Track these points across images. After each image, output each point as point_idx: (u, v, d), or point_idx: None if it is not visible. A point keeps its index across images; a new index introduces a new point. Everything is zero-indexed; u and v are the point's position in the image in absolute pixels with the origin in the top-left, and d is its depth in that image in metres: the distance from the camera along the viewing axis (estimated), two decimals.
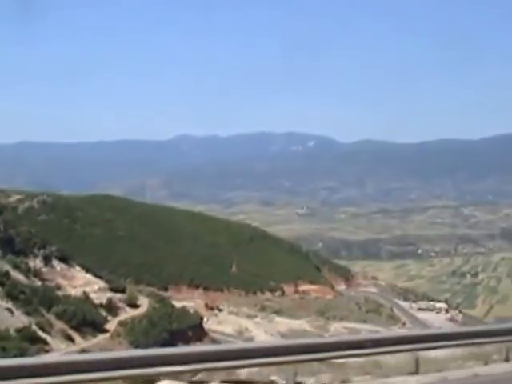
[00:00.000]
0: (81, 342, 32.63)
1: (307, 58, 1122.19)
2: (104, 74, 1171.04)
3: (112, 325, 37.02)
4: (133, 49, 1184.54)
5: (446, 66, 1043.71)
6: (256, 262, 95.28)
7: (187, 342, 37.96)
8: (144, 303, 42.98)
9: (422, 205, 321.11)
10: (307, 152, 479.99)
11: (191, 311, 51.54)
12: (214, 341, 40.89)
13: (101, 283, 47.53)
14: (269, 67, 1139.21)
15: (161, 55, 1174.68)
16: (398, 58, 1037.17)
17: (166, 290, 73.74)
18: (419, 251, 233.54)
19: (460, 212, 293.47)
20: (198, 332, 40.53)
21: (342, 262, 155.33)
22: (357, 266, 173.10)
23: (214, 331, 51.85)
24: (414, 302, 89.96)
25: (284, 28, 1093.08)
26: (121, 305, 41.42)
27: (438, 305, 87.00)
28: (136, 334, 35.03)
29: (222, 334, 50.57)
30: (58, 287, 43.05)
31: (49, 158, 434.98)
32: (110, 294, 43.52)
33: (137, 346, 32.62)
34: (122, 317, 38.91)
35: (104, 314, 38.79)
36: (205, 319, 56.48)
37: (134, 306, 42.52)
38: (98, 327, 35.68)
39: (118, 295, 43.62)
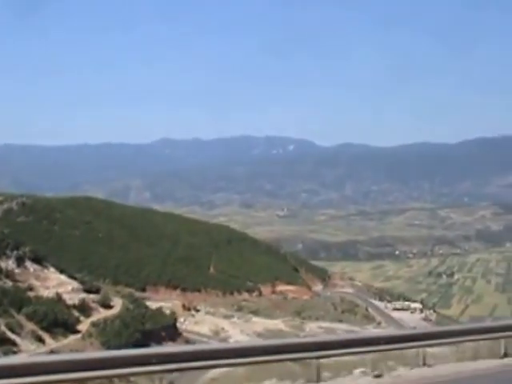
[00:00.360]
0: (51, 342, 32.36)
1: (288, 63, 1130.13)
2: (88, 77, 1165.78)
3: (84, 325, 36.80)
4: (117, 54, 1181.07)
5: (423, 71, 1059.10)
6: (234, 263, 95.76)
7: (160, 342, 37.98)
8: (117, 304, 42.83)
9: (400, 207, 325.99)
10: (287, 155, 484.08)
11: (168, 312, 51.58)
12: (188, 341, 40.99)
13: (75, 284, 47.20)
14: (250, 72, 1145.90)
15: (144, 59, 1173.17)
16: (377, 62, 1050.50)
17: (143, 290, 73.88)
18: (397, 252, 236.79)
19: (436, 214, 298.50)
20: (171, 332, 40.54)
21: (321, 263, 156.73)
22: (336, 267, 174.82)
23: (190, 331, 51.98)
24: (389, 302, 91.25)
25: (264, 33, 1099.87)
26: (94, 305, 41.17)
27: (412, 305, 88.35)
28: (108, 334, 34.89)
29: (198, 334, 50.67)
30: (31, 288, 42.61)
31: (33, 161, 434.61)
32: (83, 295, 43.24)
33: (108, 347, 32.60)
34: (95, 317, 38.70)
35: (76, 314, 38.53)
36: (182, 319, 56.59)
37: (108, 306, 42.34)
38: (69, 328, 35.38)
39: (92, 296, 43.36)
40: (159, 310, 45.25)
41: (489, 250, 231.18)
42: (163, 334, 39.56)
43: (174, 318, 45.10)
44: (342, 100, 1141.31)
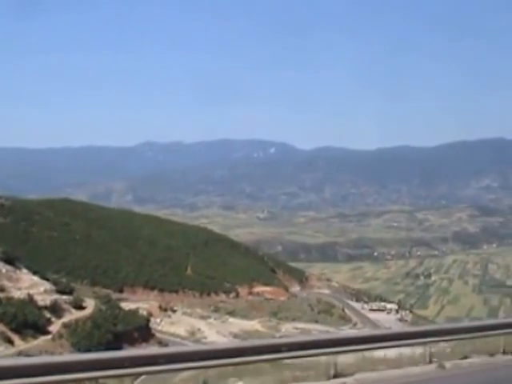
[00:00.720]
0: (20, 344, 31.98)
1: (269, 67, 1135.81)
2: (72, 80, 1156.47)
3: (55, 326, 36.41)
4: (102, 57, 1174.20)
5: (402, 75, 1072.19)
6: (211, 265, 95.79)
7: (133, 343, 37.70)
8: (90, 305, 42.48)
9: (378, 209, 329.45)
10: (268, 158, 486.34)
11: (144, 313, 51.32)
12: (161, 342, 40.79)
13: (47, 285, 46.71)
14: (232, 76, 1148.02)
15: (127, 63, 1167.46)
16: (356, 66, 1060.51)
17: (121, 291, 73.60)
18: (375, 254, 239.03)
19: (414, 216, 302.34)
20: (144, 333, 40.23)
21: (300, 265, 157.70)
22: (315, 269, 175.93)
23: (166, 332, 51.75)
24: (366, 302, 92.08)
25: (244, 37, 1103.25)
26: (66, 306, 40.73)
27: (388, 305, 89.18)
28: (79, 335, 34.57)
29: (171, 334, 50.45)
30: (2, 289, 42.02)
31: (16, 164, 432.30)
32: (55, 296, 42.80)
33: (79, 348, 32.35)
34: (67, 319, 38.28)
35: (48, 315, 38.08)
36: (158, 320, 56.39)
37: (80, 307, 41.96)
38: (40, 329, 34.97)
39: (64, 297, 42.92)
40: (132, 311, 44.98)
41: (466, 252, 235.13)
42: (136, 335, 39.28)
43: (146, 318, 44.83)
44: (322, 104, 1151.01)
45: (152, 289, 79.09)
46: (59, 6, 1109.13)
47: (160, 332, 49.80)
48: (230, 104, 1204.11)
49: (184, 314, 66.04)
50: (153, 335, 42.32)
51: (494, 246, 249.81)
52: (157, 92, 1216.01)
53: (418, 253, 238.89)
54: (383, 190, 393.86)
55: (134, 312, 44.99)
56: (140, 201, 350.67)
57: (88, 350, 28.96)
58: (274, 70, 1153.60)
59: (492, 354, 11.74)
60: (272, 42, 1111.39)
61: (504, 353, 11.80)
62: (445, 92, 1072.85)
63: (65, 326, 36.29)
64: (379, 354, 10.81)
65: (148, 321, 44.51)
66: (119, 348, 33.05)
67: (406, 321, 79.40)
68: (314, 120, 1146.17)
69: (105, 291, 63.22)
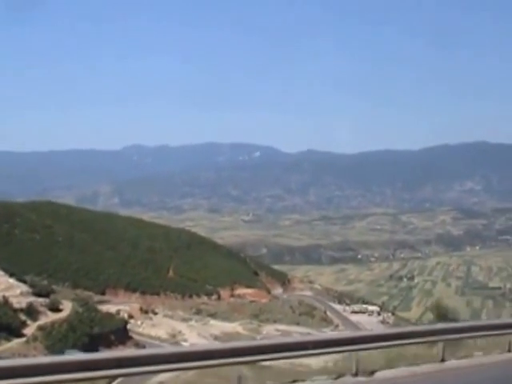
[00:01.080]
0: None
1: (254, 72, 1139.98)
2: (58, 83, 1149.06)
3: (31, 329, 36.00)
4: (87, 60, 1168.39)
5: (385, 78, 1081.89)
6: (194, 267, 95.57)
7: (109, 346, 37.39)
8: (67, 307, 42.05)
9: (363, 212, 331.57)
10: (253, 162, 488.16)
11: (125, 315, 50.96)
12: (138, 344, 40.49)
13: (24, 287, 46.18)
14: (217, 80, 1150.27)
15: (114, 67, 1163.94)
16: (339, 69, 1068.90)
17: (103, 294, 73.13)
18: (359, 256, 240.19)
19: (398, 219, 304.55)
20: (121, 336, 39.90)
21: (285, 267, 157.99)
22: (299, 271, 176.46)
23: (146, 335, 51.38)
24: (348, 304, 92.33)
25: (230, 42, 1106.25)
26: (42, 309, 40.29)
27: (370, 307, 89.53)
28: (54, 338, 34.18)
29: (153, 337, 50.07)
30: None
31: (4, 167, 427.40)
32: (32, 298, 42.35)
33: (53, 351, 31.98)
34: (43, 321, 37.86)
35: (23, 318, 37.65)
36: (139, 323, 56.02)
37: (57, 310, 41.54)
38: (14, 332, 34.58)
39: (41, 299, 42.50)
40: (109, 314, 44.61)
41: (449, 254, 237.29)
42: (112, 337, 38.94)
43: (124, 321, 44.48)
44: (307, 108, 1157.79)
45: (134, 291, 78.74)
46: (48, 12, 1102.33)
47: (141, 334, 49.42)
48: (216, 108, 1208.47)
49: (165, 316, 65.61)
50: (130, 338, 41.98)
51: (477, 248, 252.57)
52: (143, 96, 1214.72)
53: (402, 255, 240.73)
54: (367, 192, 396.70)
55: (112, 314, 44.64)
56: (126, 204, 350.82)
57: (61, 353, 28.68)
58: (258, 75, 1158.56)
59: (340, 375, 9.75)
60: (257, 48, 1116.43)
61: (355, 375, 9.63)
62: (428, 96, 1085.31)
63: (40, 328, 35.89)
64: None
65: (126, 323, 44.17)
66: (95, 351, 32.75)
67: (388, 323, 79.75)
68: (299, 124, 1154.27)
69: (86, 293, 62.87)
